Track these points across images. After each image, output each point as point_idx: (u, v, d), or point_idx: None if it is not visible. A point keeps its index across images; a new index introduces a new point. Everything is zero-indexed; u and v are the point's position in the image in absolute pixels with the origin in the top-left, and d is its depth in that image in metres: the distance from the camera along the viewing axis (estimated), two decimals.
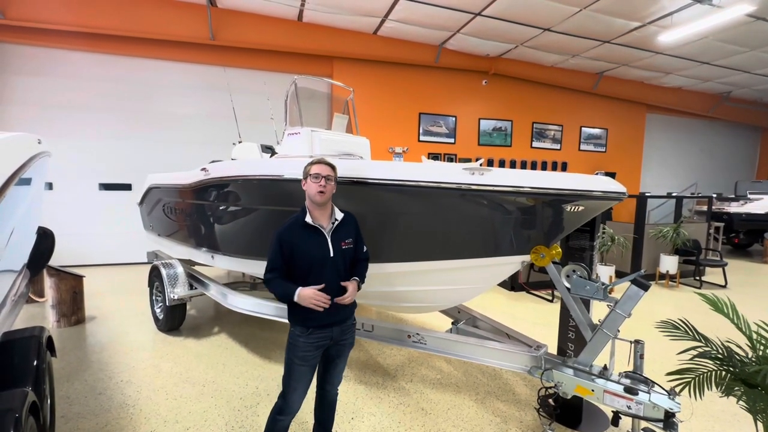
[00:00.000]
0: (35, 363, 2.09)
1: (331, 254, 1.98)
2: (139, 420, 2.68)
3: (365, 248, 2.20)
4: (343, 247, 2.03)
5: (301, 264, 1.95)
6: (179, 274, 4.17)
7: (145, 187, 5.29)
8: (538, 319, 4.85)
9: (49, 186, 7.06)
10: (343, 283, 2.05)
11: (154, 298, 4.52)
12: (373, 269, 2.77)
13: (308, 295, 1.88)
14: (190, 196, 4.04)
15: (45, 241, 3.10)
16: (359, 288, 2.12)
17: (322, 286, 1.92)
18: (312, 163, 2.01)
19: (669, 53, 8.75)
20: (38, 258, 3.00)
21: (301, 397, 2.05)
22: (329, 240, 1.99)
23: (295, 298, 1.89)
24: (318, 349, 2.02)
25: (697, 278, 6.78)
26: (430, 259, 2.62)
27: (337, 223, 2.03)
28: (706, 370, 1.93)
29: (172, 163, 6.93)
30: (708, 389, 1.91)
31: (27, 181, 2.33)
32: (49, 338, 2.50)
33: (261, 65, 8.01)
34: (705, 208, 8.47)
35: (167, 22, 7.09)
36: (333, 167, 2.03)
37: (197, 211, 4.04)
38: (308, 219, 1.97)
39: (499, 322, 3.28)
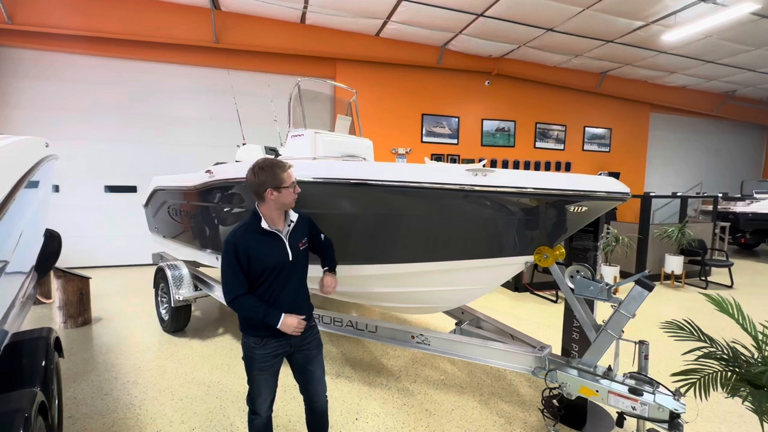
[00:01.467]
0: (43, 364, 2.12)
1: (290, 258, 1.92)
2: (145, 420, 2.70)
3: (323, 236, 2.21)
4: (301, 248, 1.99)
5: (261, 272, 1.86)
6: (184, 276, 4.20)
7: (150, 190, 5.33)
8: (541, 320, 4.84)
9: (56, 188, 7.14)
10: (324, 277, 2.14)
11: (159, 299, 4.55)
12: (377, 270, 2.79)
13: (293, 324, 1.85)
14: (195, 198, 4.07)
15: (52, 243, 3.14)
16: (334, 273, 2.19)
17: (302, 317, 1.91)
18: (285, 170, 1.89)
19: (673, 52, 8.70)
20: (46, 260, 3.03)
21: (267, 400, 2.00)
22: (287, 244, 1.93)
23: (279, 326, 1.84)
24: (276, 357, 1.95)
25: (703, 278, 6.73)
26: (434, 260, 2.62)
27: (293, 224, 1.98)
28: (711, 371, 1.92)
29: (176, 165, 7.00)
30: (714, 390, 1.90)
31: (35, 184, 2.36)
32: (57, 339, 2.53)
33: (264, 68, 8.05)
34: (710, 207, 8.42)
35: (171, 26, 7.15)
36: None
37: (202, 213, 4.06)
38: (264, 224, 1.88)
39: (503, 323, 3.27)
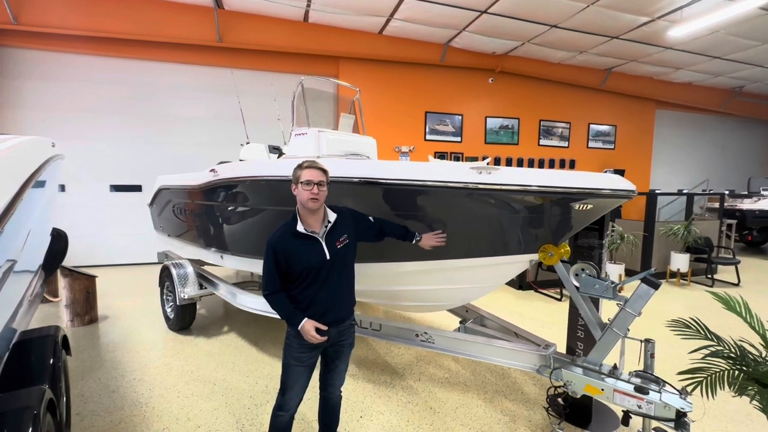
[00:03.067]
0: (51, 361, 2.14)
1: (328, 257, 1.93)
2: (151, 418, 2.72)
3: (371, 218, 2.22)
4: (338, 247, 1.98)
5: (299, 273, 1.90)
6: (189, 274, 4.23)
7: (155, 189, 5.36)
8: (546, 318, 4.82)
9: (62, 188, 7.19)
10: (421, 236, 2.28)
11: (164, 297, 4.58)
12: (382, 268, 2.79)
13: (310, 331, 1.88)
14: (200, 197, 4.09)
15: (59, 242, 3.16)
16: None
17: (325, 328, 1.93)
18: (302, 168, 1.91)
19: (679, 48, 8.61)
20: (52, 259, 3.06)
21: (298, 395, 2.05)
22: (324, 245, 1.94)
23: (299, 327, 1.89)
24: (313, 350, 2.00)
25: (709, 276, 6.67)
26: (438, 258, 2.62)
27: (330, 225, 1.98)
28: (718, 370, 1.91)
29: (180, 164, 7.02)
30: (720, 389, 1.88)
31: (42, 184, 2.38)
32: (65, 337, 2.56)
33: (268, 66, 8.06)
34: (717, 205, 8.34)
35: (175, 25, 7.17)
36: (325, 171, 1.95)
37: (206, 212, 4.08)
38: (300, 228, 1.91)
39: (507, 321, 3.27)
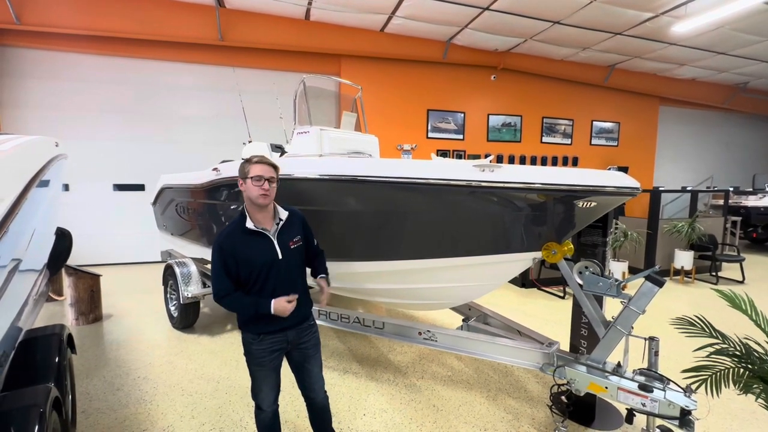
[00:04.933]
0: (57, 360, 2.16)
1: (280, 256, 1.88)
2: (156, 415, 2.74)
3: (315, 242, 2.14)
4: (292, 247, 1.93)
5: (249, 272, 1.84)
6: (193, 273, 4.24)
7: (158, 188, 5.38)
8: (549, 316, 4.81)
9: (66, 187, 7.23)
10: (316, 280, 2.06)
11: (168, 296, 4.61)
12: (384, 267, 2.79)
13: (282, 305, 1.82)
14: (202, 196, 4.10)
15: (63, 241, 3.18)
16: (328, 283, 2.11)
17: (291, 297, 1.86)
18: (252, 163, 1.85)
19: (683, 44, 8.53)
20: (57, 258, 3.08)
21: (270, 395, 2.00)
22: (275, 242, 1.89)
23: (272, 312, 1.82)
24: (274, 353, 1.95)
25: (714, 274, 6.64)
26: (441, 256, 2.62)
27: (282, 223, 1.93)
28: (723, 368, 1.90)
29: (183, 163, 7.04)
30: (725, 387, 1.88)
31: (46, 183, 2.39)
32: (69, 336, 2.58)
33: (269, 65, 8.06)
34: (721, 202, 8.29)
35: (176, 24, 7.17)
36: (275, 167, 1.91)
37: (209, 211, 4.10)
38: (249, 224, 1.85)
39: (510, 319, 3.26)
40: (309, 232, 2.11)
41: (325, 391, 2.16)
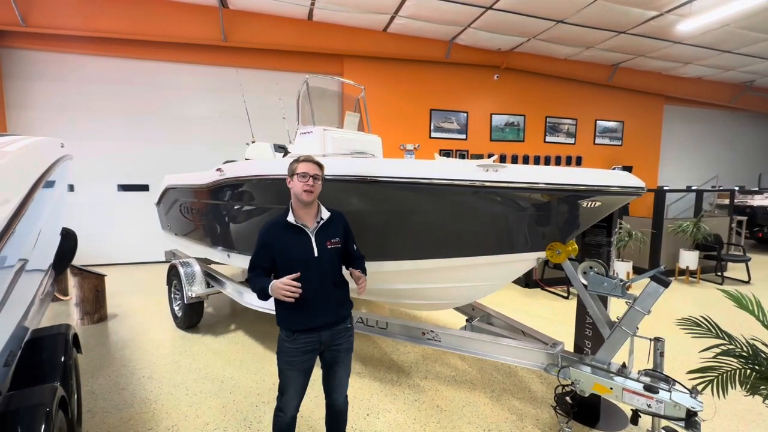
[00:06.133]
0: (63, 359, 2.17)
1: (316, 254, 1.91)
2: (160, 415, 2.75)
3: (356, 246, 2.13)
4: (329, 247, 1.95)
5: (284, 265, 1.89)
6: (196, 273, 4.26)
7: (162, 188, 5.40)
8: (553, 316, 4.79)
9: (71, 188, 7.28)
10: (351, 269, 2.06)
11: (172, 296, 4.63)
12: (388, 267, 2.79)
13: (277, 285, 1.79)
14: (206, 196, 4.12)
15: (68, 241, 3.20)
16: (364, 272, 2.09)
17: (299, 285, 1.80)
18: (299, 161, 1.94)
19: (688, 42, 8.47)
20: (62, 258, 3.10)
21: (294, 398, 2.00)
22: (313, 240, 1.92)
23: (270, 291, 1.83)
24: (306, 354, 1.94)
25: (719, 274, 6.59)
26: (445, 256, 2.61)
27: (322, 222, 1.97)
28: (729, 369, 1.89)
29: (187, 163, 7.07)
30: (732, 388, 1.86)
31: (51, 184, 2.41)
32: (75, 335, 2.59)
33: (272, 65, 8.08)
34: (727, 201, 8.22)
35: (180, 26, 7.21)
36: (321, 166, 1.98)
37: (213, 211, 4.11)
38: (290, 218, 1.92)
39: (514, 319, 3.25)
40: (350, 235, 2.12)
41: (346, 396, 2.15)
